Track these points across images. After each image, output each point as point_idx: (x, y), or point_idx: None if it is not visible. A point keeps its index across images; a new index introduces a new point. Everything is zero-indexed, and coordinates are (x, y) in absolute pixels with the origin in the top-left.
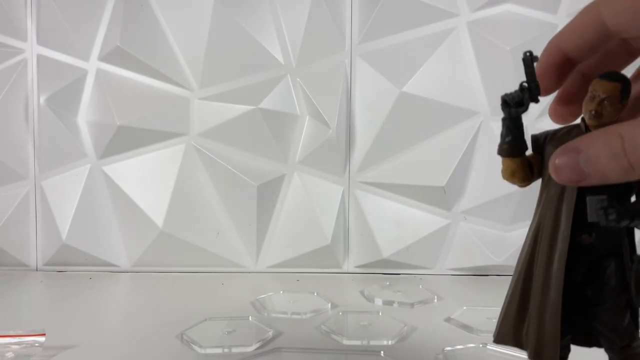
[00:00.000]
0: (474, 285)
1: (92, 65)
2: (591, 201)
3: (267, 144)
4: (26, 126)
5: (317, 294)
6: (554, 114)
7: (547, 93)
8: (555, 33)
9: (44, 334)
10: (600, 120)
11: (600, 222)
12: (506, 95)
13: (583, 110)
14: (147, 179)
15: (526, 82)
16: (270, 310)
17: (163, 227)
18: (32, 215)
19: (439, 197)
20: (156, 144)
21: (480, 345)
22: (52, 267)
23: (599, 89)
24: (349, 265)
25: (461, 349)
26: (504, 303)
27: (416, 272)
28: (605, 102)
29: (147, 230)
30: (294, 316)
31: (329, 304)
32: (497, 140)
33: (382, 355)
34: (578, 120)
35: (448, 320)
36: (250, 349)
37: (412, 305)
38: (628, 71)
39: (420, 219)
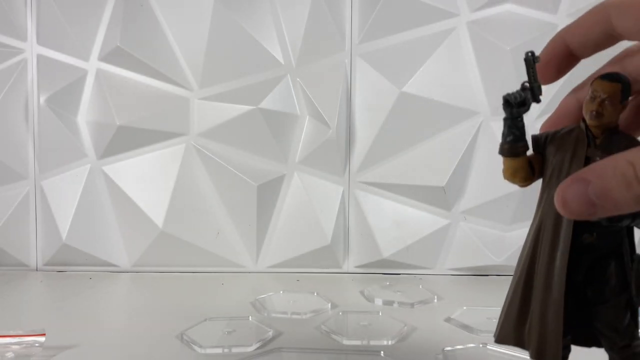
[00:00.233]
0: (474, 285)
1: (92, 65)
2: None
3: (267, 144)
4: (26, 126)
5: (317, 294)
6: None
7: (545, 83)
8: (555, 33)
9: (44, 334)
10: (601, 120)
11: (602, 222)
12: (508, 95)
13: (584, 110)
14: (147, 179)
15: (528, 82)
16: (270, 310)
17: (163, 227)
18: (32, 215)
19: (439, 197)
20: (156, 144)
21: (480, 345)
22: (52, 267)
23: (599, 89)
24: (349, 265)
25: (461, 349)
26: (505, 303)
27: (416, 272)
28: (606, 102)
29: (147, 230)
30: (294, 316)
31: (329, 304)
32: (498, 140)
33: (382, 355)
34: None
35: (448, 320)
36: (250, 349)
37: (412, 305)
38: None
39: (420, 219)
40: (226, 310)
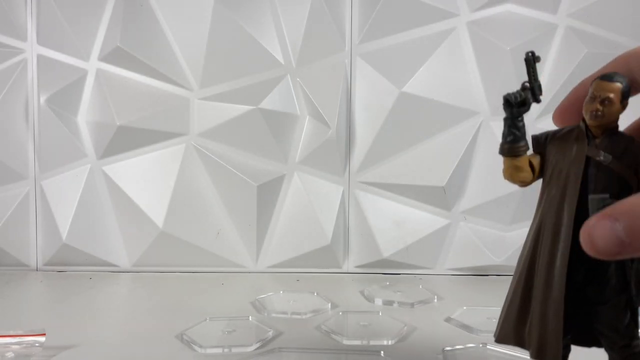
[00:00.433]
0: (474, 285)
1: (92, 65)
2: (593, 201)
3: (267, 144)
4: (26, 126)
5: (317, 294)
6: (558, 120)
7: (562, 124)
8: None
9: (44, 334)
10: (601, 120)
11: None
12: (508, 94)
13: (584, 110)
14: (147, 179)
15: (528, 81)
16: (270, 310)
17: (163, 227)
18: (32, 215)
19: (439, 197)
20: (156, 144)
21: (480, 345)
22: (52, 267)
23: (599, 89)
24: (349, 265)
25: (461, 349)
26: (505, 303)
27: (416, 272)
28: (606, 102)
29: (147, 230)
30: (294, 316)
31: (329, 304)
32: (498, 140)
33: (382, 355)
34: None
35: (448, 320)
36: (250, 349)
37: (412, 305)
38: None
39: (420, 219)
40: (226, 310)
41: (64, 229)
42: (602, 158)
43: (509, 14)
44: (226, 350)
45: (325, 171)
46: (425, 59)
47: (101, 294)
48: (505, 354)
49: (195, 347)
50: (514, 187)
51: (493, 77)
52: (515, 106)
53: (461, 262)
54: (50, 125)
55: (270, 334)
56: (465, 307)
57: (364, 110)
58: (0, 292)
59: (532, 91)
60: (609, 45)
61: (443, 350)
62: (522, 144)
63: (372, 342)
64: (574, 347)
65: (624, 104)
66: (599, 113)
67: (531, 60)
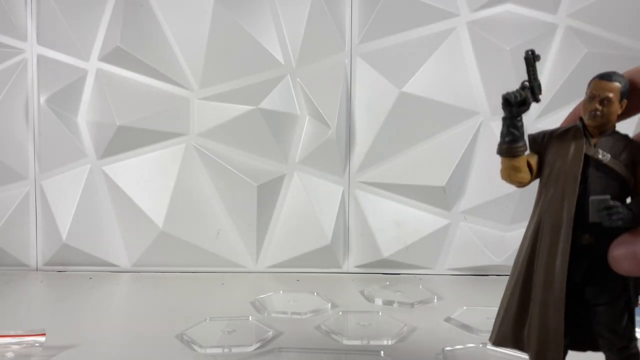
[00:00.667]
0: (474, 285)
1: (92, 65)
2: (594, 202)
3: (267, 144)
4: (26, 126)
5: (317, 294)
6: None
7: None
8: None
9: (44, 334)
10: (600, 120)
11: (603, 223)
12: (508, 94)
13: (582, 110)
14: (147, 179)
15: (528, 81)
16: (270, 310)
17: (163, 227)
18: (32, 215)
19: (439, 197)
20: (156, 144)
21: (480, 345)
22: (52, 267)
23: (598, 89)
24: (349, 265)
25: (461, 349)
26: (502, 304)
27: (416, 272)
28: (606, 102)
29: (147, 230)
30: (294, 316)
31: (329, 304)
32: (497, 140)
33: (382, 355)
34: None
35: (448, 320)
36: (250, 349)
37: (412, 305)
38: None
39: (420, 219)
40: (226, 310)
41: (64, 229)
42: (601, 157)
43: (508, 14)
44: (226, 350)
45: (325, 171)
46: (425, 59)
47: (101, 294)
48: (506, 354)
49: (195, 347)
50: (514, 187)
51: (493, 77)
52: (515, 105)
53: (461, 262)
54: (50, 125)
55: (270, 334)
56: (465, 307)
57: (364, 110)
58: (0, 292)
59: (531, 90)
60: (609, 45)
61: (443, 350)
62: (520, 144)
63: (372, 342)
64: (570, 350)
65: (622, 104)
66: (598, 113)
67: (531, 59)
